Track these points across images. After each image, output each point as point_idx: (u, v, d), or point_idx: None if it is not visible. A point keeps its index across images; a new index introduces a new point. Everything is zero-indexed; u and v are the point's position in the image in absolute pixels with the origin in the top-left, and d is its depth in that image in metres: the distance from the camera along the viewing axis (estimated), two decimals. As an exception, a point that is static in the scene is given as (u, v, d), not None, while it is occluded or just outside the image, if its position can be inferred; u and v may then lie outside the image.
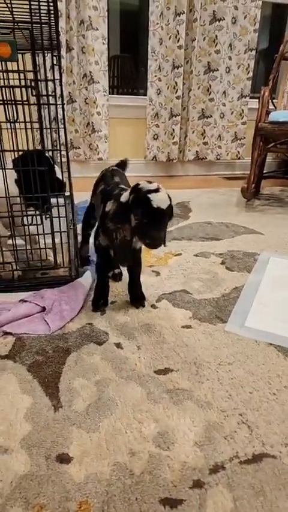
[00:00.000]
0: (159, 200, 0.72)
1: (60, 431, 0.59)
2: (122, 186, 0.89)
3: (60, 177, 1.03)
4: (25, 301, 0.93)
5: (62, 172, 1.03)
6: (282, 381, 0.71)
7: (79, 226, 1.50)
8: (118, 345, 0.80)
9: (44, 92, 0.96)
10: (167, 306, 0.97)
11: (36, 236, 1.05)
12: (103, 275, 0.94)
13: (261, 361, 0.77)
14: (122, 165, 1.10)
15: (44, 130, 0.95)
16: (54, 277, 1.06)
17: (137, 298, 0.97)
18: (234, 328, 0.88)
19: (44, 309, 0.89)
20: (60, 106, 0.96)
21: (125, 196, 0.77)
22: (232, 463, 0.54)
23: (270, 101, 1.93)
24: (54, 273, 1.07)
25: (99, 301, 0.95)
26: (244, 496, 0.50)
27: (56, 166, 1.04)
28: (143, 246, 0.88)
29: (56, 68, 1.04)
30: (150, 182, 0.76)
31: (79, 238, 1.19)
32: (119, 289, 1.04)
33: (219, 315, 0.94)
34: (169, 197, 0.76)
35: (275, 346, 0.81)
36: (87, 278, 1.04)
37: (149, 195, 0.72)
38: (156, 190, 0.73)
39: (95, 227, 0.94)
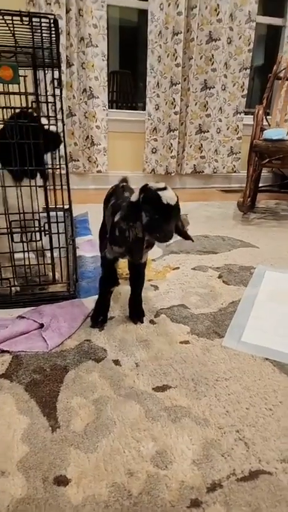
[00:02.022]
0: (168, 197, 0.78)
1: (57, 452, 0.59)
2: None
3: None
4: (23, 317, 0.93)
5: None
6: (278, 396, 0.72)
7: (78, 240, 1.52)
8: (116, 362, 0.81)
9: (44, 107, 0.98)
10: (165, 321, 0.98)
11: (42, 250, 1.06)
12: (105, 290, 0.95)
13: (258, 377, 0.77)
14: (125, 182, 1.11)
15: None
16: (53, 293, 1.06)
17: (136, 314, 0.98)
18: (231, 343, 0.89)
19: (42, 325, 0.90)
20: (60, 121, 0.98)
21: (134, 196, 0.81)
22: (229, 480, 0.55)
23: (264, 118, 1.98)
24: (53, 288, 1.08)
25: (99, 317, 0.95)
26: (241, 515, 0.50)
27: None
28: (147, 260, 0.92)
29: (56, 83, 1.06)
30: (157, 182, 0.81)
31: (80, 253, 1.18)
32: (117, 305, 1.05)
33: (217, 329, 0.95)
34: (176, 195, 0.82)
35: (271, 361, 0.82)
36: (90, 302, 1.02)
37: (159, 192, 0.78)
38: (165, 188, 0.79)
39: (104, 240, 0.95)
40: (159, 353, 0.84)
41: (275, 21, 2.96)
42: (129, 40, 4.14)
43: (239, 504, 0.51)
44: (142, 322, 0.97)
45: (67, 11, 2.34)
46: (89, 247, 1.47)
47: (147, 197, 0.79)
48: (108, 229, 0.92)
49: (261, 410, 0.68)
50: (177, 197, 0.81)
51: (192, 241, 0.91)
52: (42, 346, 0.84)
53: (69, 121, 2.55)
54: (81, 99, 2.54)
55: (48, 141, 0.96)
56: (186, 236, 0.90)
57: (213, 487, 0.54)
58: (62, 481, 0.54)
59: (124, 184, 1.02)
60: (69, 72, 2.46)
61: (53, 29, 0.92)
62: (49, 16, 0.90)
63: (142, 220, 0.80)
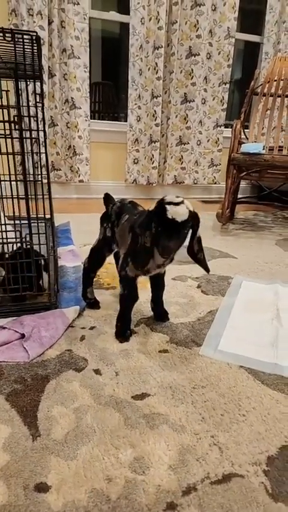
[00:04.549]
0: (174, 212, 0.76)
1: (38, 460, 0.60)
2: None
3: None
4: (4, 327, 0.94)
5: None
6: (251, 402, 0.75)
7: (59, 250, 1.53)
8: (97, 371, 0.83)
9: (26, 119, 1.00)
10: (145, 330, 1.01)
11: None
12: (129, 306, 0.96)
13: (233, 384, 0.81)
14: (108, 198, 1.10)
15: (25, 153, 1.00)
16: (34, 303, 1.07)
17: (162, 315, 1.07)
18: (208, 351, 0.92)
19: (23, 335, 0.91)
20: (42, 131, 1.00)
21: (152, 206, 0.81)
22: (203, 484, 0.57)
23: (242, 131, 2.05)
24: (34, 298, 1.09)
25: (126, 331, 0.96)
26: (214, 516, 0.53)
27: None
28: (166, 269, 0.97)
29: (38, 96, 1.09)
30: (177, 197, 0.80)
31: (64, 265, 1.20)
32: (97, 315, 1.07)
33: (195, 338, 0.98)
34: (193, 214, 0.80)
35: (246, 369, 0.86)
36: (72, 311, 1.03)
37: (167, 206, 0.76)
38: (177, 204, 0.77)
39: (122, 257, 0.92)
40: (139, 362, 0.87)
41: (254, 38, 3.08)
42: (112, 52, 4.21)
43: (212, 506, 0.54)
44: (168, 319, 1.07)
45: (49, 23, 2.37)
46: (70, 257, 1.48)
47: (156, 208, 0.78)
48: (127, 248, 0.90)
49: (235, 416, 0.71)
50: (194, 216, 0.79)
51: (208, 272, 0.90)
52: (23, 356, 0.85)
53: (51, 131, 2.57)
54: (63, 109, 2.57)
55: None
56: (202, 264, 0.89)
57: (188, 491, 0.56)
58: (42, 488, 0.56)
59: (130, 200, 1.02)
60: (51, 83, 2.49)
61: (35, 45, 0.95)
62: (31, 33, 0.93)
63: (152, 229, 0.79)
